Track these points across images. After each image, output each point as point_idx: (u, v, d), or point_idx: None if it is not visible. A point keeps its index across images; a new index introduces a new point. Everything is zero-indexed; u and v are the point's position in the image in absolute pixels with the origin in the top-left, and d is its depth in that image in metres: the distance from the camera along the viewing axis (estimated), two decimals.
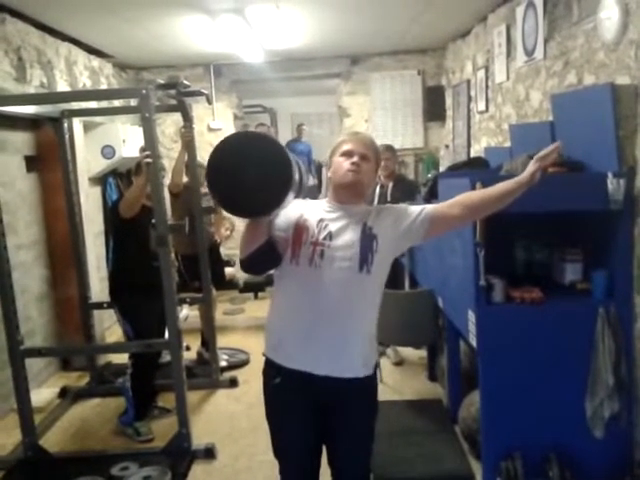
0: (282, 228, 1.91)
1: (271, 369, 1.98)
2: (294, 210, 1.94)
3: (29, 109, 4.03)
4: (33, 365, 4.05)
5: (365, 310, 1.93)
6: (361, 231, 1.88)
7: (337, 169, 1.97)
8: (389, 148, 4.93)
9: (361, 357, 1.93)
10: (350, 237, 1.87)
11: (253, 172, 1.69)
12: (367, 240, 1.87)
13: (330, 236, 1.87)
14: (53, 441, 3.59)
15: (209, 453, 3.28)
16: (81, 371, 4.63)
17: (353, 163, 1.92)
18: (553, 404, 2.75)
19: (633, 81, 2.69)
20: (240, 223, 7.19)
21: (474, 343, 2.81)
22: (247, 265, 1.90)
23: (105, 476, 3.08)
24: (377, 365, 2.04)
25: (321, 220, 1.90)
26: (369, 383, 1.99)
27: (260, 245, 1.85)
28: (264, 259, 1.90)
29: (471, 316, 2.81)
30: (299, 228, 1.89)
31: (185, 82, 3.69)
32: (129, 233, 3.59)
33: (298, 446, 2.01)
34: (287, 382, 1.93)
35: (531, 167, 1.96)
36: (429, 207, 1.97)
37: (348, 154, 1.95)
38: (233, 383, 4.30)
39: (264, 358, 2.03)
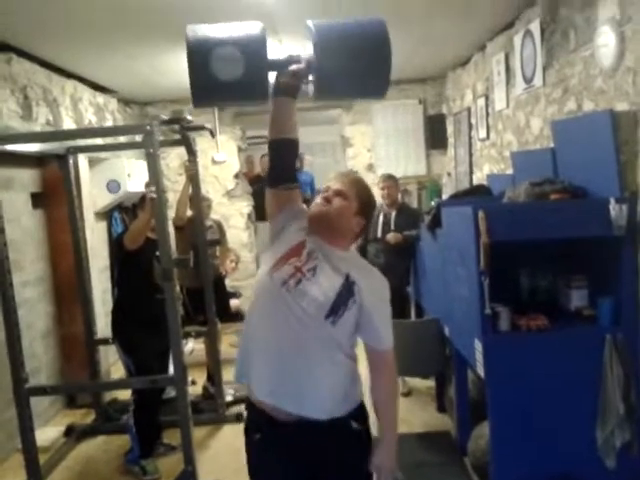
0: (289, 231, 1.89)
1: (252, 421, 1.88)
2: (304, 232, 1.88)
3: (35, 147, 4.08)
4: (38, 403, 4.03)
5: (330, 354, 1.78)
6: (343, 282, 1.78)
7: (312, 204, 1.92)
8: (390, 177, 4.95)
9: (326, 397, 1.78)
10: (331, 284, 1.77)
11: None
12: (346, 294, 1.76)
13: (314, 271, 1.78)
14: None
15: None
16: (87, 408, 4.59)
17: (323, 197, 1.87)
18: (563, 433, 2.71)
19: (632, 107, 2.70)
20: (246, 254, 7.21)
21: (482, 372, 2.79)
22: (268, 146, 1.92)
23: None
24: (360, 418, 1.87)
25: (312, 251, 1.82)
26: (359, 438, 1.86)
27: (282, 140, 1.88)
28: (279, 159, 1.91)
29: (478, 345, 2.79)
30: (296, 249, 1.83)
31: (188, 117, 3.73)
32: (133, 265, 3.60)
33: None
34: (267, 437, 1.82)
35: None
36: (375, 346, 1.85)
37: (324, 190, 1.90)
38: (239, 418, 4.23)
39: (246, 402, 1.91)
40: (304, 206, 1.99)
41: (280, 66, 1.86)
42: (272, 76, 1.88)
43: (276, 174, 1.91)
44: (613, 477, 2.67)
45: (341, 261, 1.83)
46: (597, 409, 2.64)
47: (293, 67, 1.83)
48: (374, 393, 1.87)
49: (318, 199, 1.88)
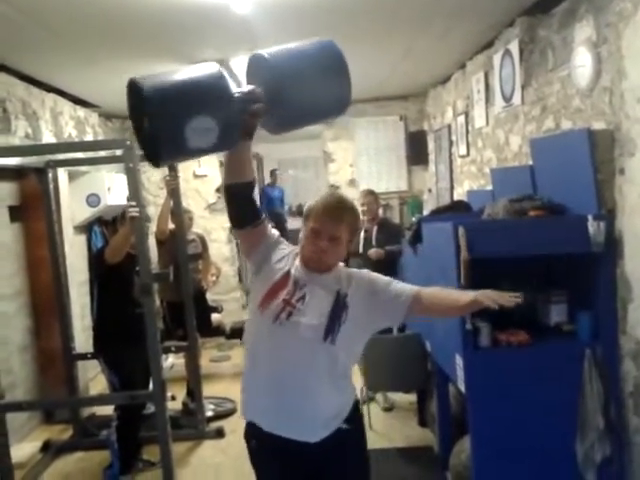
0: (269, 264, 1.88)
1: (248, 429, 1.93)
2: (286, 260, 1.89)
3: (13, 160, 4.03)
4: (14, 419, 3.95)
5: (331, 378, 1.82)
6: (334, 300, 1.81)
7: (304, 243, 1.87)
8: (370, 193, 4.99)
9: (325, 420, 1.84)
10: (323, 306, 1.80)
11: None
12: (338, 310, 1.80)
13: (303, 299, 1.80)
14: None
15: None
16: (64, 424, 4.51)
17: (320, 249, 1.81)
18: (544, 448, 2.72)
19: (609, 126, 2.75)
20: (227, 268, 7.17)
21: (463, 388, 2.80)
22: (225, 191, 1.86)
23: None
24: (354, 418, 1.92)
25: (298, 279, 1.84)
26: (348, 437, 1.88)
27: (240, 185, 1.81)
28: (240, 203, 1.85)
29: (459, 361, 2.80)
30: (283, 281, 1.84)
31: None
32: (113, 280, 3.57)
33: None
34: (262, 445, 1.88)
35: (479, 297, 1.75)
36: (413, 291, 1.86)
37: (316, 234, 1.82)
38: (219, 434, 4.20)
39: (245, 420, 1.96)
40: (276, 233, 1.97)
41: (241, 108, 1.67)
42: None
43: (240, 217, 1.87)
44: None
45: (331, 279, 1.87)
46: (577, 424, 2.66)
47: (254, 107, 1.67)
48: (443, 300, 1.90)
49: (312, 247, 1.83)
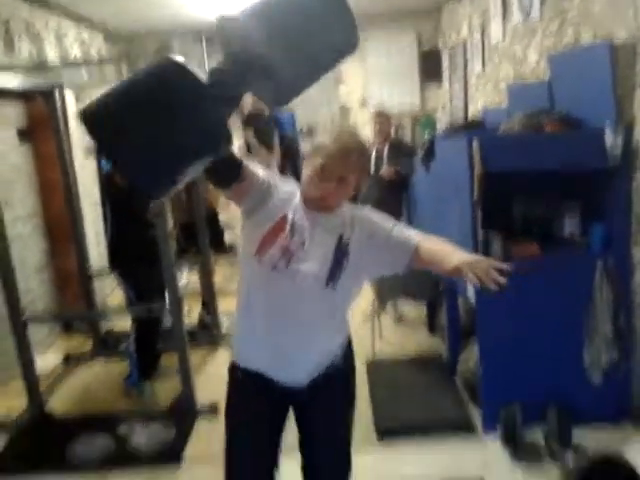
0: (265, 209, 1.73)
1: (237, 366, 1.88)
2: (283, 204, 1.75)
3: (19, 83, 3.95)
4: (35, 333, 4.07)
5: (330, 324, 1.80)
6: (336, 246, 1.71)
7: (307, 182, 1.71)
8: (382, 113, 4.92)
9: (320, 364, 1.82)
10: (323, 252, 1.70)
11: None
12: (339, 256, 1.70)
13: (303, 245, 1.70)
14: (58, 405, 3.61)
15: (213, 409, 3.29)
16: (83, 335, 4.60)
17: (326, 190, 1.68)
18: (551, 354, 2.80)
19: (631, 36, 2.66)
20: None
21: (472, 299, 2.84)
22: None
23: (112, 435, 3.11)
24: (346, 354, 1.89)
25: (297, 223, 1.72)
26: (339, 373, 1.86)
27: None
28: (217, 166, 1.59)
29: None
30: (280, 225, 1.71)
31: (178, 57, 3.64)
32: (125, 201, 3.57)
33: (258, 445, 1.86)
34: (250, 379, 1.83)
35: (464, 267, 1.53)
36: (416, 240, 1.72)
37: (324, 173, 1.67)
38: None
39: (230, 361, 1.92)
40: (267, 177, 1.76)
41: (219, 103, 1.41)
42: None
43: (221, 178, 1.71)
44: (599, 393, 2.77)
45: (333, 222, 1.75)
46: (585, 331, 2.72)
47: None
48: (437, 260, 1.68)
49: (317, 187, 1.68)
